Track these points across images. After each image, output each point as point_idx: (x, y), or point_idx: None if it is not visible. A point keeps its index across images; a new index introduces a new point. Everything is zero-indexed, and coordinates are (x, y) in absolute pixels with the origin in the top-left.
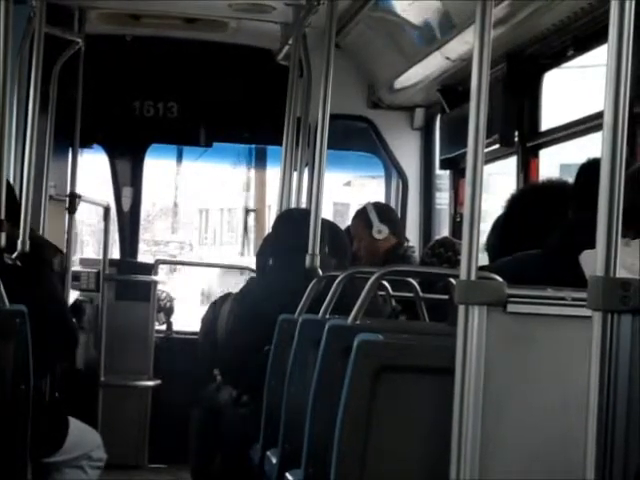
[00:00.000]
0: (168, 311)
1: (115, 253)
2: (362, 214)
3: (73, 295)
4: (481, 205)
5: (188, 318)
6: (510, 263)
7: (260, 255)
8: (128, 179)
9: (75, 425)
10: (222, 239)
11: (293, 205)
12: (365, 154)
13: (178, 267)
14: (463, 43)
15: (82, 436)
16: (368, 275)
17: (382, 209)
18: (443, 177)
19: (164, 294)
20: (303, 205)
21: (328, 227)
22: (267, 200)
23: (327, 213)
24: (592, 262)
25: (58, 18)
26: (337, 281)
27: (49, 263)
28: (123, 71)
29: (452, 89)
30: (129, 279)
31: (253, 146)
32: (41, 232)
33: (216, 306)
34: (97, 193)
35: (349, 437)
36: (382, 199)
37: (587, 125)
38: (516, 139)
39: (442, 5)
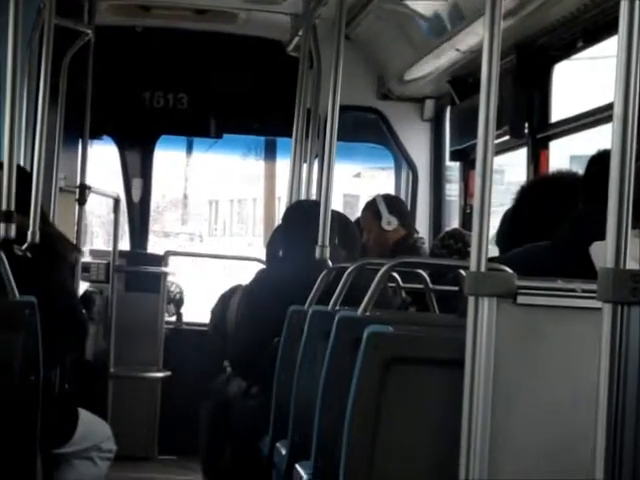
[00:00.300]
0: (178, 302)
1: (125, 244)
2: (371, 206)
3: (83, 286)
4: (491, 196)
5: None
6: (520, 255)
7: (270, 247)
8: (138, 170)
9: (85, 416)
10: (232, 230)
11: (303, 196)
12: (375, 145)
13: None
14: (473, 35)
15: (92, 427)
16: (378, 267)
17: (391, 201)
18: (453, 168)
19: (174, 285)
20: (313, 197)
21: (338, 218)
22: (277, 191)
23: (337, 204)
24: (602, 254)
25: (68, 9)
26: (347, 272)
27: (63, 257)
28: (133, 62)
29: (462, 80)
30: (139, 270)
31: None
32: None
33: (226, 298)
34: (107, 184)
35: (358, 429)
36: (392, 191)
37: (597, 117)
38: (526, 130)
39: None
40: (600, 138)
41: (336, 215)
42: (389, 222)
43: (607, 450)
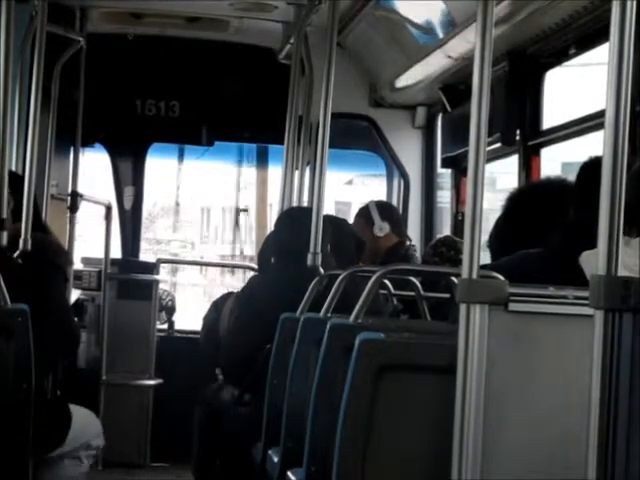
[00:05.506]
0: (170, 310)
1: (116, 252)
2: (364, 212)
3: (75, 294)
4: (483, 204)
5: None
6: (511, 262)
7: (262, 254)
8: (130, 178)
9: (78, 413)
10: (224, 238)
11: (295, 204)
12: (367, 153)
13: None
14: (465, 42)
15: (84, 426)
16: (370, 274)
17: (384, 207)
18: (445, 176)
19: (165, 293)
20: (305, 204)
21: (331, 222)
22: (269, 199)
23: (328, 212)
24: (592, 263)
25: (60, 17)
26: (339, 280)
27: (56, 265)
28: (125, 70)
29: (454, 88)
30: (131, 278)
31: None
32: None
33: (217, 305)
34: (99, 192)
35: (351, 436)
36: (384, 198)
37: (589, 124)
38: (517, 138)
39: (444, 4)
40: (593, 145)
41: (329, 219)
42: (381, 228)
43: (599, 455)
